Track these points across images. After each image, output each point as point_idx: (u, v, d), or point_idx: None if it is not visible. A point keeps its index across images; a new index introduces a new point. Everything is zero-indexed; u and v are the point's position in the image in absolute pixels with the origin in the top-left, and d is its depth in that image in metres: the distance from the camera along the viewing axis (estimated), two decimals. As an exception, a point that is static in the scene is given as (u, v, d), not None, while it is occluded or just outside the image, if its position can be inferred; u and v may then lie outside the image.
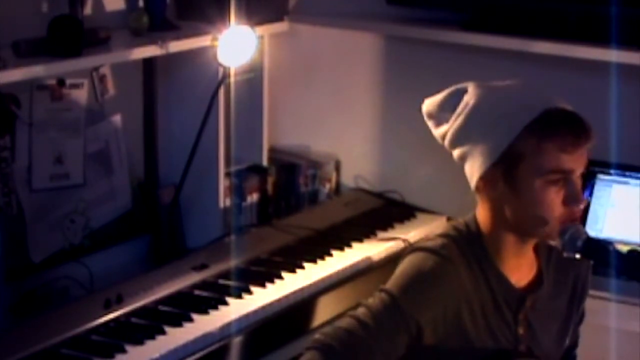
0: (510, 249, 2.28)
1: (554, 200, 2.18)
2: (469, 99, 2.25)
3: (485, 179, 2.23)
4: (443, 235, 2.31)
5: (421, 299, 2.21)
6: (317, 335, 2.21)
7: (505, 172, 2.20)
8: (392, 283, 2.26)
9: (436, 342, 2.23)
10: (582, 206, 2.22)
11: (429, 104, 2.34)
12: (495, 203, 2.25)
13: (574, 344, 2.49)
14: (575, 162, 2.18)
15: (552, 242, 2.26)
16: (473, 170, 2.25)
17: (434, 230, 2.69)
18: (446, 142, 2.30)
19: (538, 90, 2.26)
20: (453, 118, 2.27)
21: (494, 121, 2.20)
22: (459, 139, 2.26)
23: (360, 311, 2.22)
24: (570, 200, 2.19)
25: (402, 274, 2.26)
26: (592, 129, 2.19)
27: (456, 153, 2.29)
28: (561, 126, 2.17)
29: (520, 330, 2.31)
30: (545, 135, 2.16)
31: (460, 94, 2.28)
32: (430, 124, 2.35)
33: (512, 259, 2.29)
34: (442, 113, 2.30)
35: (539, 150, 2.16)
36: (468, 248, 2.28)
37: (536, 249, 2.33)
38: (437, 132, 2.33)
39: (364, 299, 2.26)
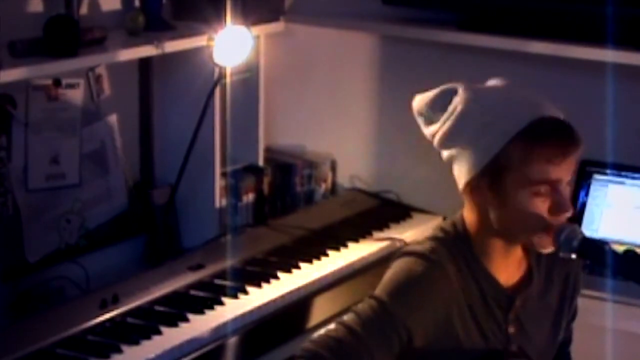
0: (498, 251, 2.27)
1: (540, 210, 2.17)
2: (458, 103, 2.23)
3: (472, 185, 2.22)
4: (431, 239, 2.30)
5: (411, 304, 2.20)
6: (305, 344, 2.20)
7: (491, 181, 2.19)
8: (380, 289, 2.24)
9: (426, 345, 2.22)
10: (568, 214, 2.20)
11: (419, 101, 2.31)
12: (482, 208, 2.24)
13: (567, 341, 2.49)
14: (563, 172, 2.16)
15: (543, 250, 2.25)
16: (460, 174, 2.24)
17: (430, 230, 2.69)
18: (435, 143, 2.28)
19: (527, 96, 2.23)
20: (442, 120, 2.25)
21: (480, 129, 2.18)
22: (447, 141, 2.24)
23: (350, 318, 2.21)
24: (556, 209, 2.17)
25: (390, 279, 2.25)
26: (580, 137, 2.17)
27: (445, 154, 2.28)
28: (548, 137, 2.15)
29: (511, 330, 2.30)
30: (532, 146, 2.14)
31: (450, 94, 2.25)
32: (419, 120, 2.32)
33: (500, 259, 2.28)
34: (432, 112, 2.28)
35: (526, 161, 2.14)
36: (456, 249, 2.27)
37: (525, 247, 2.31)
38: (427, 130, 2.30)
39: (357, 302, 2.25)
